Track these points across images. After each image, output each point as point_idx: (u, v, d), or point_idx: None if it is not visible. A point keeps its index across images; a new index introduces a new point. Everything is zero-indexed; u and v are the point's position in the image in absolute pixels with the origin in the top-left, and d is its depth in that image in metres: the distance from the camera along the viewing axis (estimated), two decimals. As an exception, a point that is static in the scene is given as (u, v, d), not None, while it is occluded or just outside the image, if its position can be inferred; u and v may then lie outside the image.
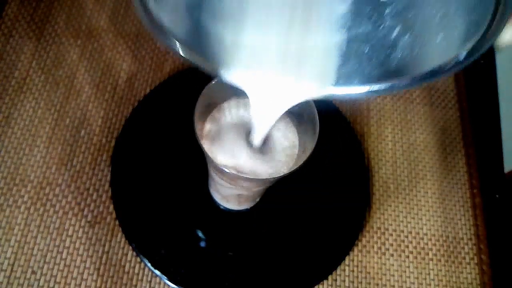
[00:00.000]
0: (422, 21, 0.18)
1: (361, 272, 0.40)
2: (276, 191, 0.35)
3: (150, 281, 0.37)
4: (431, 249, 0.41)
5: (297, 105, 0.21)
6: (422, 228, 0.42)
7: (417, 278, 0.40)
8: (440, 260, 0.41)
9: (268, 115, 0.22)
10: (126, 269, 0.37)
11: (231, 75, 0.20)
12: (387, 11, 0.17)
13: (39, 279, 0.36)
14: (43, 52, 0.45)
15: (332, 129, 0.43)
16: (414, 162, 0.45)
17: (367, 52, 0.19)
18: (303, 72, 0.20)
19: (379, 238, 0.41)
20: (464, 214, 0.43)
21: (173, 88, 0.44)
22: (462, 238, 0.42)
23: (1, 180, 0.39)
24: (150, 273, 0.37)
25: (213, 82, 0.27)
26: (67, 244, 0.37)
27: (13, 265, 0.36)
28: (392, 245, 0.41)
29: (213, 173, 0.32)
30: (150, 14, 0.18)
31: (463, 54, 0.18)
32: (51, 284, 0.36)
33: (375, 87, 0.19)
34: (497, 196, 0.44)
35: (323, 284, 0.39)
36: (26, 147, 0.40)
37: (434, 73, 0.19)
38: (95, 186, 0.40)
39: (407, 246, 0.41)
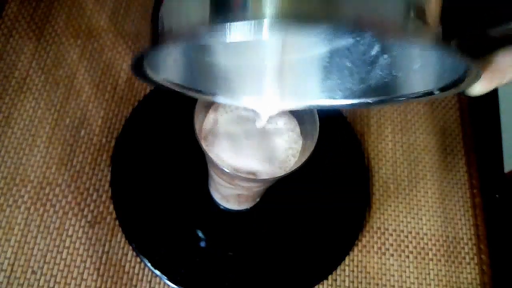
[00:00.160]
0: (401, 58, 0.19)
1: (361, 272, 0.40)
2: (276, 191, 0.35)
3: (150, 281, 0.37)
4: (431, 249, 0.41)
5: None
6: (422, 228, 0.42)
7: (417, 278, 0.40)
8: (440, 260, 0.41)
9: (263, 115, 0.25)
10: (126, 269, 0.37)
11: (224, 100, 0.24)
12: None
13: (39, 279, 0.36)
14: (43, 52, 0.45)
15: (332, 129, 0.43)
16: (414, 162, 0.45)
17: (348, 68, 0.20)
18: (285, 88, 0.21)
19: (379, 238, 0.41)
20: (464, 214, 0.43)
21: (173, 88, 0.44)
22: (462, 238, 0.42)
23: (1, 180, 0.39)
24: (150, 273, 0.37)
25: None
26: (67, 244, 0.37)
27: (13, 265, 0.36)
28: (392, 245, 0.41)
29: (213, 173, 0.32)
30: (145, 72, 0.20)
31: (436, 90, 0.19)
32: (51, 284, 0.36)
33: (355, 101, 0.20)
34: (497, 196, 0.44)
35: (323, 284, 0.39)
36: (26, 147, 0.40)
37: (409, 98, 0.20)
38: (95, 186, 0.40)
39: (407, 246, 0.41)
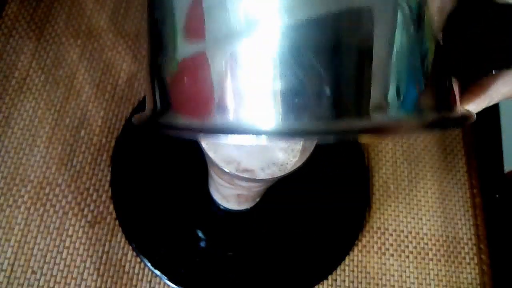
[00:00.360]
0: None
1: (361, 272, 0.40)
2: (276, 191, 0.35)
3: (150, 281, 0.37)
4: (431, 249, 0.41)
5: None
6: (422, 228, 0.42)
7: (417, 278, 0.40)
8: (440, 260, 0.41)
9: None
10: (126, 269, 0.37)
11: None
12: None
13: (39, 279, 0.36)
14: (43, 52, 0.45)
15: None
16: (414, 162, 0.45)
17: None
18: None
19: (379, 238, 0.41)
20: (464, 214, 0.43)
21: (173, 88, 0.44)
22: (462, 238, 0.42)
23: (1, 180, 0.39)
24: (150, 273, 0.37)
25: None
26: (67, 244, 0.37)
27: (13, 265, 0.36)
28: (392, 245, 0.41)
29: (213, 173, 0.32)
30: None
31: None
32: (51, 284, 0.36)
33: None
34: (497, 196, 0.44)
35: (323, 284, 0.39)
36: (26, 147, 0.40)
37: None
38: (95, 186, 0.40)
39: (407, 246, 0.41)
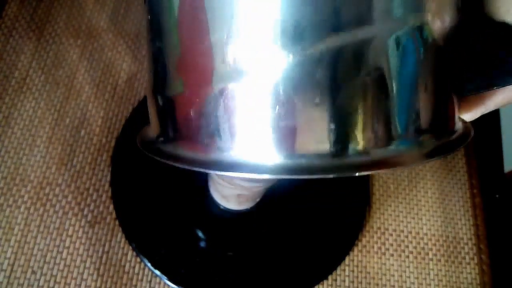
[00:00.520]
0: None
1: (361, 272, 0.40)
2: (276, 191, 0.35)
3: (150, 281, 0.37)
4: (431, 249, 0.41)
5: None
6: (422, 228, 0.42)
7: (417, 278, 0.40)
8: (440, 260, 0.41)
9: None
10: (126, 269, 0.37)
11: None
12: None
13: (39, 279, 0.36)
14: (43, 52, 0.45)
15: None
16: (414, 162, 0.45)
17: None
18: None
19: (379, 238, 0.41)
20: (464, 214, 0.43)
21: (173, 88, 0.44)
22: (462, 238, 0.42)
23: (1, 180, 0.39)
24: (150, 273, 0.37)
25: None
26: (67, 244, 0.37)
27: (13, 265, 0.36)
28: (392, 245, 0.41)
29: (213, 174, 0.32)
30: None
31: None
32: (51, 284, 0.36)
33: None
34: (497, 196, 0.44)
35: (323, 284, 0.39)
36: (26, 147, 0.40)
37: None
38: (95, 186, 0.40)
39: (407, 246, 0.41)
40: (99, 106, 0.43)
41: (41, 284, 0.36)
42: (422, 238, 0.42)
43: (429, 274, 0.40)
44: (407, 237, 0.42)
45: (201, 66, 0.15)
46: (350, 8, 0.13)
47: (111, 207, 0.39)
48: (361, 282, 0.39)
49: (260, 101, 0.14)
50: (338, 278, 0.39)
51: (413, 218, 0.43)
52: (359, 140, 0.14)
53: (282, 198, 0.39)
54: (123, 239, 0.38)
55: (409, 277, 0.40)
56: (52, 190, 0.39)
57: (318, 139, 0.14)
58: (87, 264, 0.37)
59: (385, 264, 0.40)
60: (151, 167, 0.40)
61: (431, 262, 0.41)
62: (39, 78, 0.43)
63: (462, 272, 0.41)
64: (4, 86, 0.42)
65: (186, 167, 0.16)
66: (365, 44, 0.14)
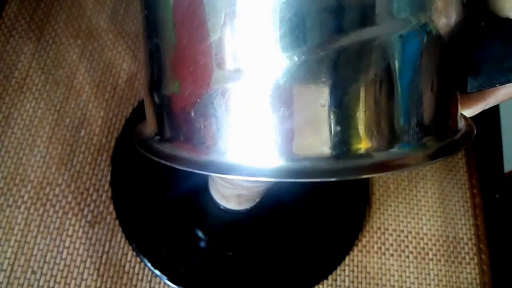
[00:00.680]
0: None
1: (361, 272, 0.40)
2: (276, 191, 0.35)
3: (150, 281, 0.37)
4: (431, 249, 0.41)
5: None
6: (422, 228, 0.42)
7: (417, 278, 0.40)
8: (440, 260, 0.41)
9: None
10: (126, 269, 0.37)
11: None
12: None
13: (39, 279, 0.36)
14: (43, 52, 0.45)
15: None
16: (414, 162, 0.45)
17: None
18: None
19: (379, 238, 0.41)
20: (464, 214, 0.43)
21: (173, 88, 0.44)
22: (462, 238, 0.42)
23: (1, 180, 0.39)
24: (150, 273, 0.37)
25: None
26: (67, 244, 0.37)
27: (13, 265, 0.36)
28: (392, 245, 0.41)
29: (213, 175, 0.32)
30: None
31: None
32: (51, 284, 0.36)
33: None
34: (497, 196, 0.44)
35: (323, 284, 0.39)
36: (26, 147, 0.40)
37: None
38: (95, 186, 0.40)
39: (407, 246, 0.41)
40: (99, 106, 0.43)
41: (41, 284, 0.36)
42: (422, 238, 0.42)
43: (429, 274, 0.40)
44: (407, 237, 0.42)
45: (199, 65, 0.14)
46: (354, 8, 0.13)
47: (111, 207, 0.39)
48: (361, 282, 0.39)
49: (261, 102, 0.14)
50: (338, 278, 0.39)
51: (413, 218, 0.43)
52: (362, 142, 0.14)
53: (282, 198, 0.39)
54: (123, 239, 0.38)
55: (409, 277, 0.40)
56: (52, 190, 0.39)
57: (320, 141, 0.14)
58: (87, 264, 0.37)
59: (385, 264, 0.40)
60: (151, 167, 0.40)
61: (431, 262, 0.41)
62: (39, 78, 0.43)
63: (462, 272, 0.41)
64: (4, 86, 0.42)
65: (184, 168, 0.16)
66: (369, 44, 0.13)
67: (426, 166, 0.44)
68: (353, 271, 0.40)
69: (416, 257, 0.41)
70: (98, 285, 0.36)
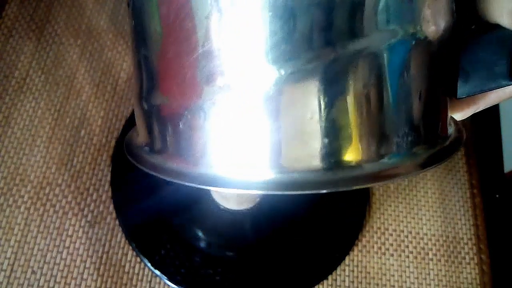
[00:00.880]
0: None
1: (361, 272, 0.40)
2: (276, 191, 0.35)
3: (150, 281, 0.37)
4: (431, 249, 0.41)
5: None
6: (422, 228, 0.42)
7: (417, 278, 0.40)
8: (440, 260, 0.41)
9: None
10: (126, 269, 0.37)
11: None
12: None
13: (39, 279, 0.36)
14: (43, 52, 0.45)
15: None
16: (414, 162, 0.45)
17: None
18: None
19: (379, 238, 0.41)
20: (464, 214, 0.43)
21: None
22: (462, 238, 0.42)
23: (1, 180, 0.39)
24: (150, 273, 0.37)
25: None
26: (67, 244, 0.37)
27: (13, 265, 0.36)
28: (392, 245, 0.41)
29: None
30: None
31: None
32: (51, 284, 0.36)
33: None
34: (497, 196, 0.44)
35: (323, 284, 0.39)
36: (26, 147, 0.40)
37: None
38: (95, 186, 0.40)
39: (407, 246, 0.41)
40: (99, 106, 0.43)
41: (41, 284, 0.36)
42: (422, 238, 0.42)
43: (429, 274, 0.40)
44: (407, 237, 0.42)
45: (186, 77, 0.14)
46: (342, 20, 0.13)
47: (111, 207, 0.39)
48: (361, 282, 0.39)
49: (248, 115, 0.14)
50: (338, 278, 0.39)
51: (413, 218, 0.43)
52: (352, 154, 0.14)
53: (282, 198, 0.39)
54: (123, 239, 0.38)
55: (409, 277, 0.40)
56: (52, 190, 0.39)
57: (309, 154, 0.14)
58: (87, 264, 0.37)
59: (385, 264, 0.40)
60: (151, 167, 0.40)
61: (431, 262, 0.41)
62: (39, 78, 0.43)
63: (462, 272, 0.41)
64: (4, 86, 0.42)
65: (173, 180, 0.16)
66: (357, 57, 0.13)
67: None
68: (353, 271, 0.40)
69: (416, 257, 0.41)
70: (98, 285, 0.36)
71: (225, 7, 0.13)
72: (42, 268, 0.36)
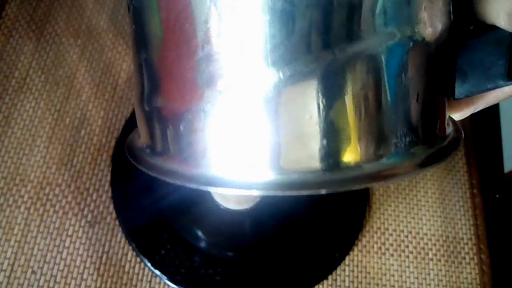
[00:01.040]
0: None
1: (361, 272, 0.40)
2: (276, 191, 0.35)
3: (150, 281, 0.37)
4: (431, 249, 0.41)
5: None
6: (422, 228, 0.42)
7: (417, 278, 0.40)
8: (440, 260, 0.41)
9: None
10: (126, 269, 0.37)
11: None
12: None
13: (39, 279, 0.36)
14: (43, 52, 0.45)
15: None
16: (414, 162, 0.45)
17: None
18: None
19: (379, 238, 0.41)
20: (464, 214, 0.43)
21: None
22: (462, 238, 0.42)
23: (1, 180, 0.39)
24: (150, 273, 0.37)
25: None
26: (67, 244, 0.37)
27: (13, 265, 0.36)
28: (392, 245, 0.41)
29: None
30: None
31: None
32: (51, 284, 0.36)
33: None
34: (497, 196, 0.44)
35: (323, 284, 0.39)
36: (26, 147, 0.40)
37: None
38: (95, 186, 0.40)
39: (407, 246, 0.41)
40: (99, 106, 0.43)
41: (41, 284, 0.36)
42: (422, 238, 0.42)
43: (429, 274, 0.40)
44: (407, 237, 0.42)
45: (187, 80, 0.14)
46: (340, 23, 0.13)
47: (111, 207, 0.39)
48: (361, 282, 0.39)
49: (247, 116, 0.14)
50: (338, 278, 0.39)
51: (413, 218, 0.43)
52: (351, 154, 0.14)
53: (282, 199, 0.39)
54: (123, 239, 0.38)
55: (409, 277, 0.40)
56: (52, 190, 0.39)
57: (309, 154, 0.14)
58: (87, 264, 0.37)
59: (385, 264, 0.40)
60: (151, 167, 0.40)
61: (431, 262, 0.41)
62: (39, 78, 0.43)
63: (462, 272, 0.41)
64: (4, 86, 0.42)
65: (175, 182, 0.16)
66: (355, 58, 0.13)
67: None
68: (353, 271, 0.40)
69: (416, 257, 0.41)
70: (98, 285, 0.36)
71: (224, 11, 0.13)
72: (42, 268, 0.36)
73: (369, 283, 0.39)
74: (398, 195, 0.43)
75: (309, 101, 0.13)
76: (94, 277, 0.36)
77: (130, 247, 0.37)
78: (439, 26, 0.15)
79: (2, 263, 0.36)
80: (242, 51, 0.13)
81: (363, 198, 0.42)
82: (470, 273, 0.41)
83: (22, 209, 0.38)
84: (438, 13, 0.15)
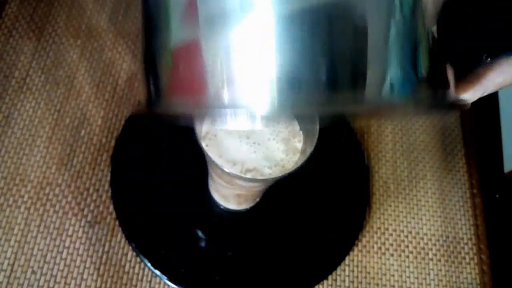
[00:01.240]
0: None
1: (361, 272, 0.40)
2: (276, 191, 0.35)
3: (150, 281, 0.37)
4: (431, 249, 0.41)
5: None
6: (422, 228, 0.42)
7: (417, 278, 0.40)
8: (440, 260, 0.41)
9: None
10: (126, 269, 0.37)
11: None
12: None
13: (39, 279, 0.36)
14: (43, 52, 0.45)
15: (332, 129, 0.43)
16: (414, 162, 0.45)
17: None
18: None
19: (379, 238, 0.41)
20: (464, 214, 0.43)
21: (173, 88, 0.44)
22: (462, 238, 0.42)
23: (1, 180, 0.39)
24: (150, 273, 0.37)
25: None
26: (67, 244, 0.37)
27: (13, 265, 0.36)
28: (392, 245, 0.41)
29: (213, 173, 0.32)
30: None
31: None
32: (51, 284, 0.36)
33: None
34: (497, 196, 0.44)
35: (323, 284, 0.39)
36: (26, 147, 0.40)
37: None
38: (95, 186, 0.40)
39: (407, 246, 0.41)
40: (99, 106, 0.43)
41: (41, 284, 0.36)
42: (422, 238, 0.42)
43: (429, 274, 0.40)
44: (407, 237, 0.42)
45: (190, 14, 0.15)
46: None
47: (111, 207, 0.39)
48: (361, 282, 0.39)
49: (253, 47, 0.14)
50: (338, 278, 0.39)
51: (413, 218, 0.43)
52: (354, 85, 0.14)
53: (282, 198, 0.39)
54: (123, 239, 0.38)
55: (409, 277, 0.40)
56: (52, 190, 0.39)
57: (313, 76, 0.14)
58: (87, 264, 0.37)
59: (385, 264, 0.40)
60: (151, 167, 0.40)
61: (431, 262, 0.41)
62: (39, 78, 0.43)
63: (462, 272, 0.41)
64: (4, 86, 0.42)
65: (183, 112, 0.16)
66: None
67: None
68: (353, 271, 0.40)
69: (416, 257, 0.41)
70: (98, 285, 0.36)
71: None
72: (42, 268, 0.36)
73: (369, 283, 0.39)
74: (398, 195, 0.43)
75: (310, 32, 0.14)
76: (94, 277, 0.36)
77: (130, 247, 0.37)
78: None
79: (2, 263, 0.36)
80: None
81: (363, 198, 0.42)
82: (470, 273, 0.41)
83: (22, 209, 0.38)
84: None
